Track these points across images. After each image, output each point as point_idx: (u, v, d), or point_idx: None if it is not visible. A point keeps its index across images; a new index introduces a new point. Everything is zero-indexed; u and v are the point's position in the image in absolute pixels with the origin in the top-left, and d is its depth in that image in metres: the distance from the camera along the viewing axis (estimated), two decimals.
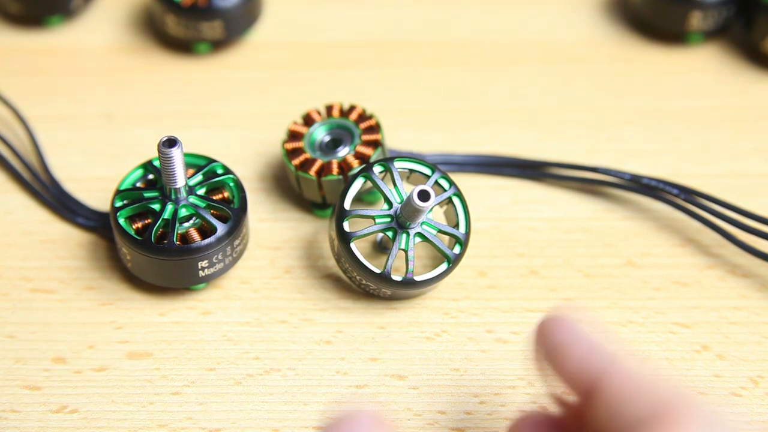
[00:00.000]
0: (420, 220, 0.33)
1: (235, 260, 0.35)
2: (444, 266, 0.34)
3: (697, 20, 0.44)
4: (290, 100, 0.43)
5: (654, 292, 0.36)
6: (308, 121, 0.38)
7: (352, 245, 0.33)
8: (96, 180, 0.39)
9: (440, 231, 0.34)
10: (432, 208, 0.33)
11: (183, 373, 0.33)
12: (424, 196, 0.32)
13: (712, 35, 0.46)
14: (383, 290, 0.34)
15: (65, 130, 0.42)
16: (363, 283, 0.34)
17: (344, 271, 0.35)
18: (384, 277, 0.33)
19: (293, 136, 0.38)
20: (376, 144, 0.37)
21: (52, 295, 0.36)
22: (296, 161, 0.37)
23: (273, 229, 0.38)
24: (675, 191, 0.38)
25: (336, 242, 0.34)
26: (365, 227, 0.34)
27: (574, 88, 0.44)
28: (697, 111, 0.42)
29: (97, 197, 0.39)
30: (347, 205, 0.34)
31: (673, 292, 0.36)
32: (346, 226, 0.34)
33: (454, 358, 0.34)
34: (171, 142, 0.32)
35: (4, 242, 0.37)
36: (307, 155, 0.37)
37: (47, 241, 0.37)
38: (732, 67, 0.45)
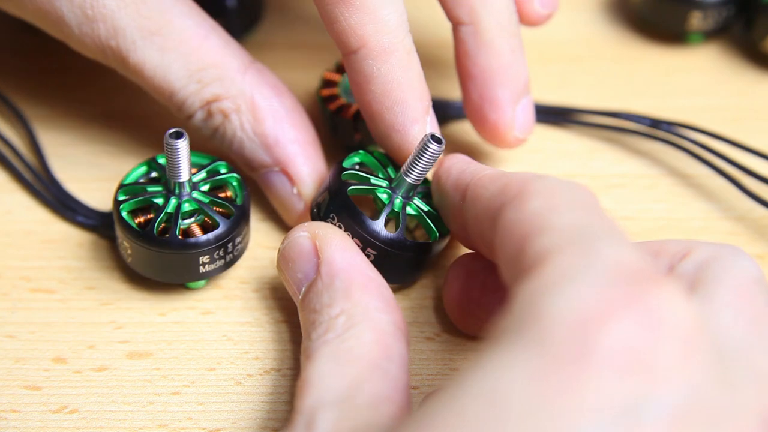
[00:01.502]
0: (422, 173, 0.33)
1: (236, 258, 0.35)
2: (432, 239, 0.34)
3: (697, 20, 0.44)
4: None
5: None
6: (341, 68, 0.40)
7: (350, 196, 0.33)
8: (96, 180, 0.39)
9: (429, 211, 0.34)
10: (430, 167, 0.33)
11: (183, 373, 0.33)
12: (437, 139, 0.32)
13: (712, 35, 0.46)
14: (369, 249, 0.33)
15: (65, 130, 0.42)
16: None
17: (317, 218, 0.34)
18: (376, 232, 0.33)
19: (328, 83, 0.39)
20: None
21: (52, 295, 0.36)
22: (332, 106, 0.38)
23: (273, 229, 0.38)
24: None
25: (327, 199, 0.33)
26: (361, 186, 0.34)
27: (574, 88, 0.44)
28: (697, 111, 0.42)
29: (97, 197, 0.39)
30: (345, 164, 0.34)
31: None
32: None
33: (454, 358, 0.34)
34: (178, 134, 0.32)
35: (4, 242, 0.37)
36: (343, 100, 0.39)
37: (47, 241, 0.37)
38: (732, 67, 0.45)
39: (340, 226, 0.33)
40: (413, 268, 0.35)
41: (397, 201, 0.34)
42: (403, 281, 0.35)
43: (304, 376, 0.28)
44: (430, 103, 0.35)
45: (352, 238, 0.33)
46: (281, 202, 0.37)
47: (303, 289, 0.31)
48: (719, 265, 0.27)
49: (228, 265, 0.35)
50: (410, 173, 0.33)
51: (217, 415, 0.32)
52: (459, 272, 0.34)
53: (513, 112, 0.37)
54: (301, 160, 0.36)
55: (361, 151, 0.35)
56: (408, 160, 0.33)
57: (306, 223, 0.33)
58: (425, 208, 0.34)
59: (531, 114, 0.38)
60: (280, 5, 0.47)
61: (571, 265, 0.23)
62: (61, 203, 0.38)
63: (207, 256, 0.34)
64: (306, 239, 0.32)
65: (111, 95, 0.43)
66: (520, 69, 0.37)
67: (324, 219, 0.34)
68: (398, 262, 0.34)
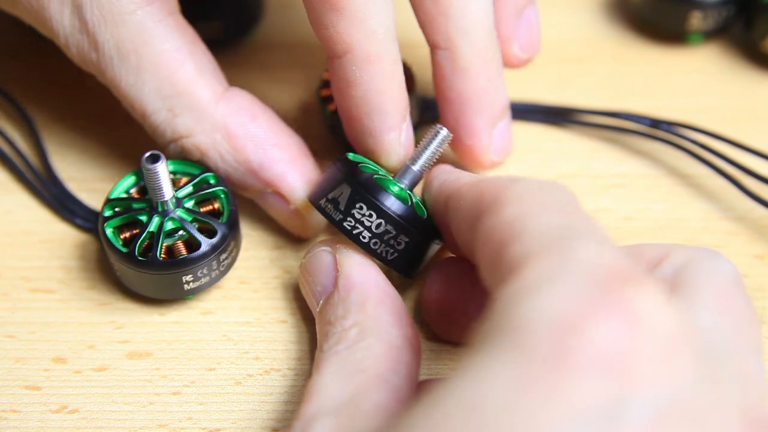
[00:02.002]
0: (428, 162, 0.34)
1: (222, 273, 0.35)
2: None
3: (697, 20, 0.44)
4: (290, 100, 0.43)
5: None
6: None
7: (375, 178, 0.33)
8: (96, 180, 0.39)
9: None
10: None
11: (183, 373, 0.33)
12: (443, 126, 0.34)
13: (712, 35, 0.46)
14: (402, 236, 0.32)
15: (66, 130, 0.42)
16: (380, 231, 0.32)
17: (351, 228, 0.32)
18: (414, 216, 0.32)
19: (328, 83, 0.39)
20: (407, 89, 0.38)
21: (52, 295, 0.36)
22: (332, 106, 0.38)
23: (273, 229, 0.38)
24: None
25: (351, 191, 0.32)
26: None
27: (574, 88, 0.44)
28: (697, 111, 0.42)
29: (98, 197, 0.38)
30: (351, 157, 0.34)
31: None
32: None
33: (454, 359, 0.34)
34: (154, 158, 0.32)
35: (4, 242, 0.37)
36: None
37: (47, 241, 0.37)
38: (732, 67, 0.45)
39: (370, 215, 0.32)
40: (427, 256, 0.34)
41: (410, 192, 0.34)
42: (413, 272, 0.34)
43: (310, 384, 0.29)
44: (408, 112, 0.35)
45: (386, 225, 0.32)
46: (284, 220, 0.37)
47: (321, 301, 0.32)
48: (697, 267, 0.27)
49: (215, 280, 0.34)
50: (417, 162, 0.34)
51: (217, 415, 0.32)
52: (438, 277, 0.34)
53: (489, 138, 0.37)
54: (291, 178, 0.35)
55: (349, 153, 0.35)
56: (416, 150, 0.34)
57: (328, 239, 0.33)
58: (420, 200, 0.35)
59: (508, 137, 0.38)
60: (280, 5, 0.47)
61: (548, 268, 0.23)
62: (61, 204, 0.38)
63: (190, 275, 0.33)
64: (327, 253, 0.32)
65: (111, 95, 0.43)
66: (497, 95, 0.36)
67: (347, 212, 0.32)
68: (423, 248, 0.33)
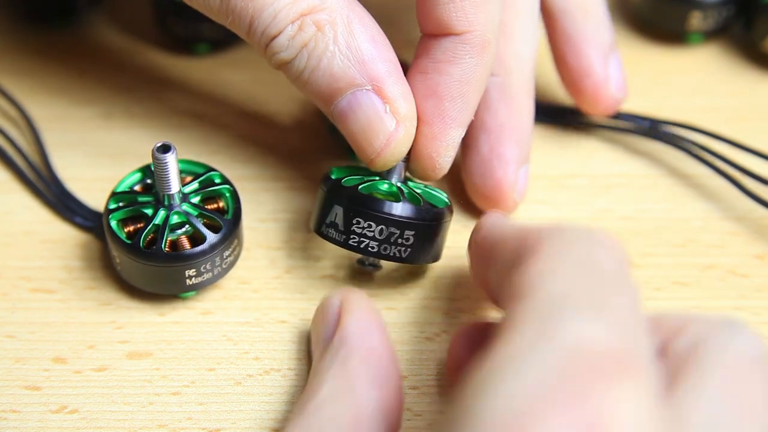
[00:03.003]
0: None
1: (225, 270, 0.35)
2: (443, 205, 0.34)
3: (697, 20, 0.44)
4: (290, 99, 0.43)
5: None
6: None
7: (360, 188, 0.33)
8: (97, 180, 0.39)
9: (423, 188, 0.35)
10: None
11: (183, 373, 0.33)
12: None
13: (712, 35, 0.46)
14: (407, 232, 0.32)
15: (67, 130, 0.42)
16: (384, 236, 0.32)
17: (358, 244, 0.33)
18: (409, 210, 0.32)
19: None
20: None
21: (52, 295, 0.36)
22: None
23: (273, 229, 0.38)
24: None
25: (342, 210, 0.33)
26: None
27: None
28: (697, 111, 0.42)
29: (98, 197, 0.39)
30: (334, 178, 0.34)
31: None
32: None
33: None
34: (165, 148, 0.32)
35: (4, 242, 0.37)
36: None
37: (47, 241, 0.37)
38: (732, 67, 0.45)
39: (369, 225, 0.32)
40: (442, 237, 0.34)
41: (400, 185, 0.34)
42: (437, 256, 0.35)
43: None
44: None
45: (387, 228, 0.32)
46: (369, 125, 0.33)
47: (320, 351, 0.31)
48: (713, 345, 0.25)
49: (217, 277, 0.34)
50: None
51: (217, 415, 0.32)
52: (463, 340, 0.32)
53: (515, 175, 0.37)
54: (394, 80, 0.33)
55: (332, 168, 0.35)
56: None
57: (343, 288, 0.32)
58: (419, 185, 0.35)
59: (527, 180, 0.38)
60: None
61: (522, 346, 0.22)
62: (62, 203, 0.38)
63: (193, 270, 0.33)
64: (335, 305, 0.32)
65: (111, 95, 0.43)
66: (531, 131, 0.37)
67: (347, 230, 0.33)
68: (433, 235, 0.33)
